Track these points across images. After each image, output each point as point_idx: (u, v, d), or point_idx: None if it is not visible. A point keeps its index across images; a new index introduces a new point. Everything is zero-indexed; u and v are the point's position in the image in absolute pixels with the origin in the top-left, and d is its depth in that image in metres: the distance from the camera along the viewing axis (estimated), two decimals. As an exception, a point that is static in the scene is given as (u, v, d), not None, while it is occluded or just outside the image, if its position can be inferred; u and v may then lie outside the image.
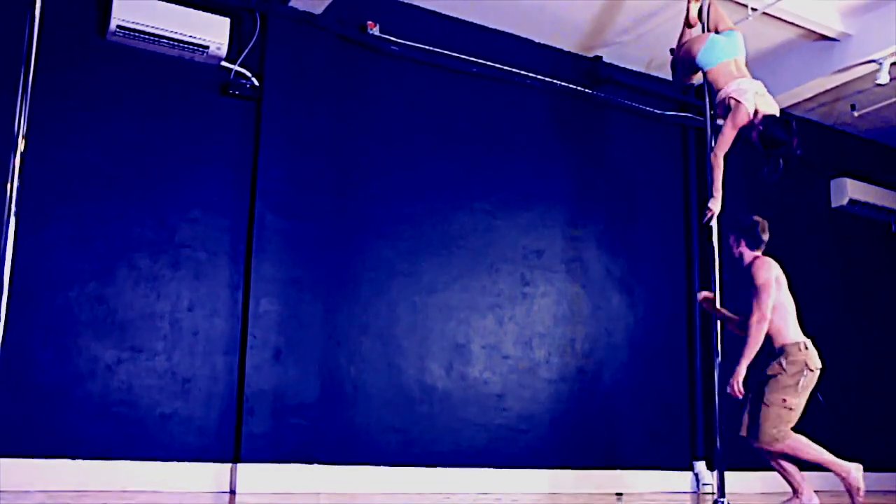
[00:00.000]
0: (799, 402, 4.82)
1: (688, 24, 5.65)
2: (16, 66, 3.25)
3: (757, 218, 5.10)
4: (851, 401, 8.14)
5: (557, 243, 6.82)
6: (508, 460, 6.26)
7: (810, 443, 4.88)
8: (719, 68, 5.21)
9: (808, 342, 4.86)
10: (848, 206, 8.40)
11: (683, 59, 5.45)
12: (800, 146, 4.99)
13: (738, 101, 5.07)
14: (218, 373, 5.38)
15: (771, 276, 4.88)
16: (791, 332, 4.88)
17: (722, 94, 5.16)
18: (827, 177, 8.48)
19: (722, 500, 4.62)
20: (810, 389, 4.85)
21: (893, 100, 7.69)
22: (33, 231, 4.93)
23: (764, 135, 4.99)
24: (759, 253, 5.04)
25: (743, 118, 5.06)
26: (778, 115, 5.12)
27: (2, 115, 3.71)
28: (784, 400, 4.76)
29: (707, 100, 5.39)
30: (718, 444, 4.91)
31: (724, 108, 5.17)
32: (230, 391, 5.39)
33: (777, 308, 4.87)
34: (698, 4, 5.65)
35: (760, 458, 7.21)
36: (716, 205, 5.19)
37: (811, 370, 4.82)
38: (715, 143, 5.21)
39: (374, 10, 6.28)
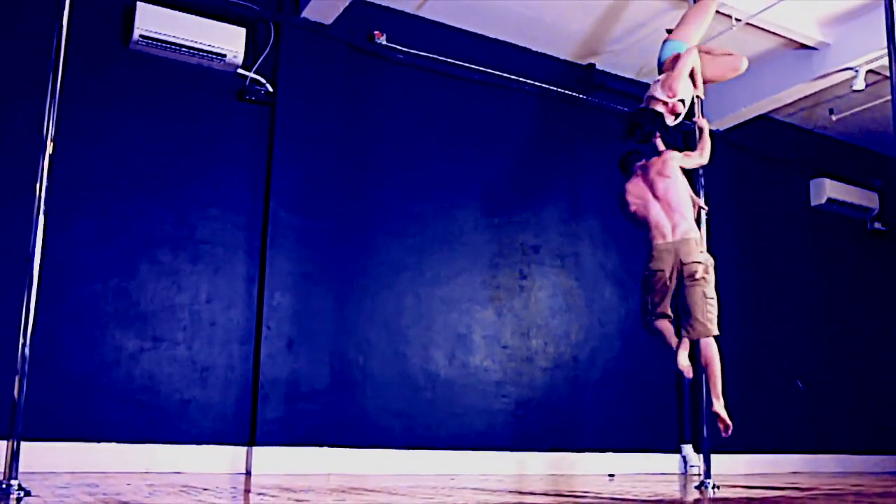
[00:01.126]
0: (645, 295, 4.99)
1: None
2: (45, 74, 3.25)
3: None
4: (829, 388, 8.14)
5: (553, 239, 6.81)
6: (507, 443, 6.26)
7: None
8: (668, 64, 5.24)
9: (662, 246, 4.84)
10: (826, 205, 8.39)
11: None
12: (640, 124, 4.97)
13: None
14: (234, 361, 5.37)
15: (625, 204, 5.05)
16: (657, 237, 4.90)
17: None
18: (806, 177, 8.46)
19: (708, 480, 4.59)
20: (651, 287, 4.92)
21: (869, 105, 7.66)
22: (62, 228, 4.91)
23: None
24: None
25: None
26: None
27: (32, 120, 3.69)
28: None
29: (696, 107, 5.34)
30: (705, 428, 4.89)
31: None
32: (246, 378, 5.38)
33: (651, 218, 4.91)
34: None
35: (745, 442, 7.23)
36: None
37: (650, 269, 4.90)
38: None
39: (381, 21, 6.26)
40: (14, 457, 2.87)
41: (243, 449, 5.28)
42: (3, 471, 2.87)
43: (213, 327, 5.35)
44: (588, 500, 3.25)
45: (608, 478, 5.92)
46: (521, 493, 3.66)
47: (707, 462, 4.74)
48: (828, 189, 8.33)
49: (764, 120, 7.84)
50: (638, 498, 3.46)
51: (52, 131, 3.15)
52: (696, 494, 4.03)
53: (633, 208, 5.00)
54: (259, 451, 5.23)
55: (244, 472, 5.22)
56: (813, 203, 8.42)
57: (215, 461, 5.17)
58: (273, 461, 5.23)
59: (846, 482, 5.48)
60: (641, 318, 5.07)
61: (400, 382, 5.94)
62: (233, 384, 5.34)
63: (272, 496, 3.09)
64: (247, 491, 3.51)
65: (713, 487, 4.47)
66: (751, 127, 7.71)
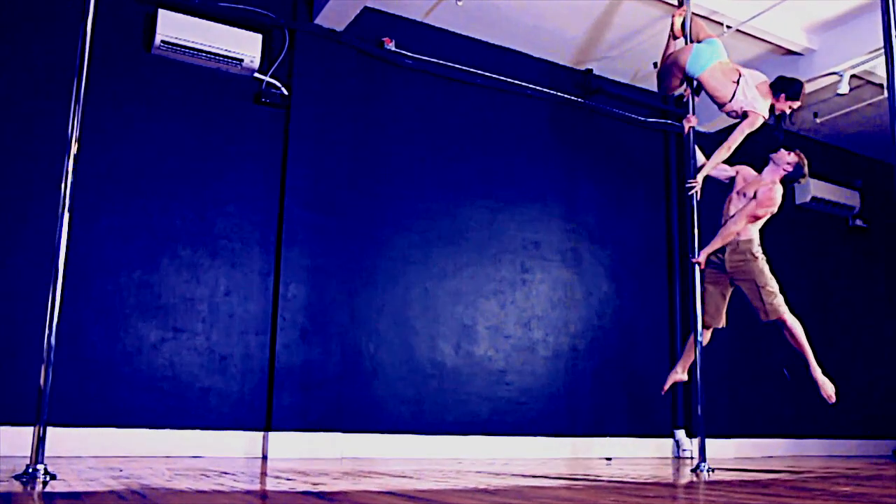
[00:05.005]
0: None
1: (673, 36, 5.46)
2: (72, 78, 3.17)
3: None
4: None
5: (553, 235, 6.73)
6: (510, 429, 6.19)
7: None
8: (707, 73, 5.06)
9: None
10: (811, 203, 8.31)
11: (670, 69, 5.25)
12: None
13: (754, 112, 4.97)
14: (251, 351, 5.30)
15: None
16: None
17: (735, 105, 5.02)
18: (792, 177, 8.37)
19: (703, 464, 4.49)
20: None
21: (850, 108, 7.58)
22: (88, 224, 4.86)
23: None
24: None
25: (757, 123, 5.00)
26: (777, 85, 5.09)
27: (61, 121, 3.60)
28: None
29: (691, 104, 5.25)
30: (700, 414, 4.79)
31: (738, 114, 5.07)
32: (262, 367, 5.31)
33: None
34: (682, 18, 5.45)
35: (735, 427, 7.16)
36: (697, 186, 5.04)
37: None
38: (727, 137, 5.08)
39: (391, 28, 6.19)
40: (40, 442, 2.79)
41: (259, 434, 5.20)
42: (30, 455, 2.79)
43: (231, 318, 5.27)
44: (594, 482, 3.17)
45: (605, 461, 5.84)
46: (526, 475, 3.58)
47: (702, 446, 4.65)
48: (812, 188, 8.25)
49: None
50: (643, 481, 3.38)
51: (76, 132, 3.07)
52: (692, 477, 3.95)
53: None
54: (275, 436, 5.15)
55: (260, 456, 5.15)
56: (798, 201, 8.33)
57: (233, 446, 5.10)
58: (288, 446, 5.16)
59: (834, 465, 5.40)
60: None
61: (408, 371, 5.86)
62: (250, 372, 5.26)
63: (289, 480, 3.01)
64: (263, 474, 3.43)
65: (708, 471, 4.38)
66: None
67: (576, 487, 2.90)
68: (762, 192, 5.12)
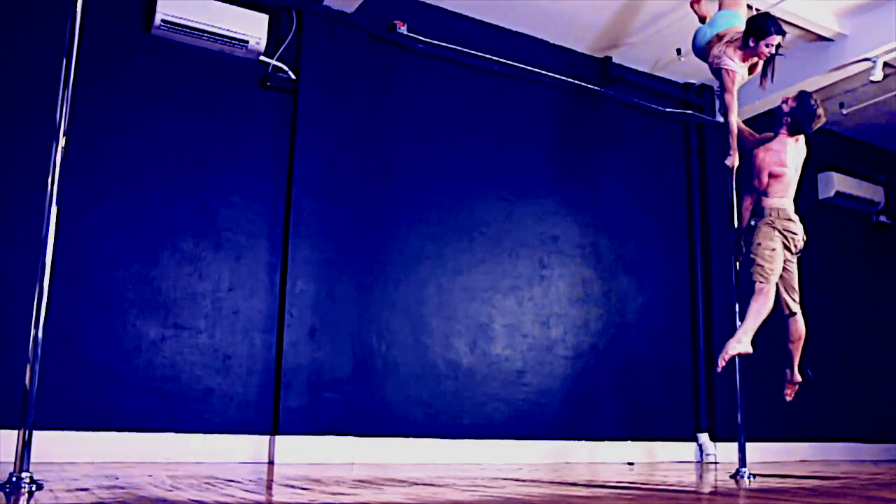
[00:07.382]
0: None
1: (702, 22, 5.29)
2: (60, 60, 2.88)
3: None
4: (837, 376, 7.76)
5: (572, 230, 6.42)
6: (528, 432, 5.87)
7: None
8: (707, 51, 4.84)
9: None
10: (834, 198, 8.02)
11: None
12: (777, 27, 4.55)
13: (724, 69, 4.62)
14: (257, 349, 4.99)
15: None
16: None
17: (712, 66, 4.75)
18: (815, 170, 8.08)
19: (743, 469, 4.18)
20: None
21: (879, 99, 7.30)
22: (83, 215, 4.55)
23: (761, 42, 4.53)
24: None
25: (730, 80, 4.60)
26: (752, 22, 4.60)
27: (53, 109, 3.30)
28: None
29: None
30: (740, 418, 4.49)
31: (717, 76, 4.78)
32: (268, 367, 4.99)
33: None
34: (700, 4, 5.33)
35: (755, 430, 6.84)
36: (731, 160, 4.64)
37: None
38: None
39: (403, 11, 5.89)
40: (25, 447, 2.49)
41: (266, 438, 4.89)
42: (14, 462, 2.49)
43: (236, 315, 4.96)
44: (641, 490, 2.86)
45: (628, 466, 5.53)
46: (561, 483, 3.27)
47: (742, 452, 4.34)
48: (836, 182, 7.97)
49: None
50: (690, 489, 3.08)
51: (65, 122, 2.77)
52: (734, 484, 3.65)
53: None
54: (282, 440, 4.84)
55: (266, 461, 4.84)
56: (821, 196, 8.04)
57: (237, 450, 4.78)
58: (296, 450, 4.85)
59: (866, 470, 5.09)
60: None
61: (422, 371, 5.55)
62: (255, 373, 4.95)
63: (303, 489, 2.70)
64: (273, 482, 3.12)
65: (748, 477, 4.07)
66: (762, 121, 7.29)
67: (626, 497, 2.59)
68: (754, 160, 4.62)
